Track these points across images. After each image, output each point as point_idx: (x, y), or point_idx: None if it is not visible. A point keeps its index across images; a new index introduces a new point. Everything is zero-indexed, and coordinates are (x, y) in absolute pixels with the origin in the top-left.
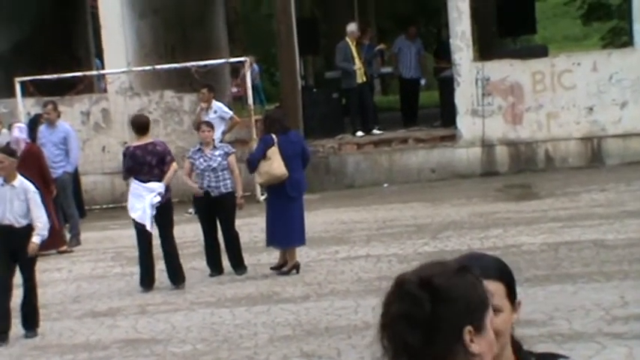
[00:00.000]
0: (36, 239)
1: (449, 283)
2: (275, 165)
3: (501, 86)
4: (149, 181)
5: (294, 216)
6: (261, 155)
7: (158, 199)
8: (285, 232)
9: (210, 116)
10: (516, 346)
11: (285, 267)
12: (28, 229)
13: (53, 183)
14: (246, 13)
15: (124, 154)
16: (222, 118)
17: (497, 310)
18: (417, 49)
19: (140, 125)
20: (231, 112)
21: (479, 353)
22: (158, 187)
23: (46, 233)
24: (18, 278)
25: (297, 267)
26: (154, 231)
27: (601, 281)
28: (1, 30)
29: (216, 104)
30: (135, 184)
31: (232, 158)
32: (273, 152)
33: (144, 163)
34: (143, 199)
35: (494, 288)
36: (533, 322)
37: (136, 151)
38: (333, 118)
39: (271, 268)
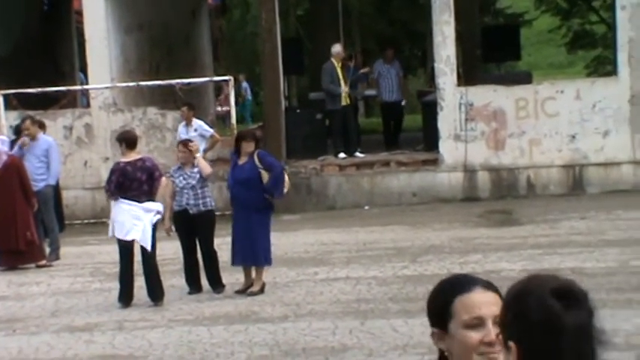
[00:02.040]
0: None
1: None
2: None
3: (484, 112)
4: (138, 197)
5: (265, 232)
6: None
7: (158, 216)
8: (255, 249)
9: (191, 134)
10: None
11: (254, 288)
12: None
13: (34, 196)
14: (231, 32)
15: (114, 170)
16: (202, 136)
17: None
18: (396, 72)
19: (130, 140)
20: (211, 130)
21: None
22: (156, 206)
23: None
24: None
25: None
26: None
27: None
28: None
29: (197, 122)
30: (129, 205)
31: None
32: None
33: (134, 179)
34: (140, 220)
35: (497, 300)
36: None
37: (127, 167)
38: (315, 139)
39: (236, 292)
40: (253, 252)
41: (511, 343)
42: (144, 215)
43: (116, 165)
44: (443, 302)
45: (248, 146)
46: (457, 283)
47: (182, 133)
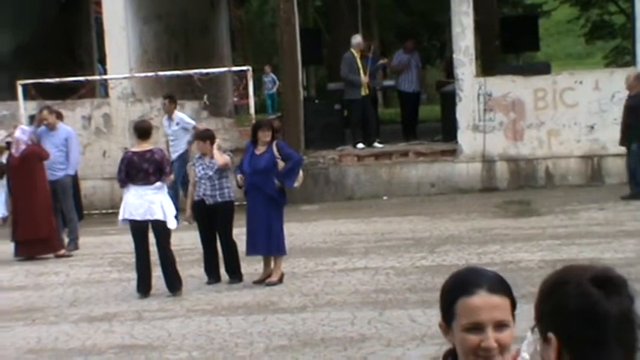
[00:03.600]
0: None
1: None
2: None
3: (503, 102)
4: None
5: (281, 222)
6: None
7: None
8: (274, 238)
9: (173, 128)
10: None
11: (273, 278)
12: None
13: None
14: (250, 23)
15: (122, 159)
16: (185, 129)
17: (504, 325)
18: (415, 63)
19: (142, 130)
20: (193, 122)
21: None
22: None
23: None
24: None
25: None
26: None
27: None
28: (5, 33)
29: (178, 115)
30: (141, 189)
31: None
32: None
33: (140, 170)
34: (154, 202)
35: (502, 303)
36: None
37: (134, 157)
38: (334, 129)
39: (255, 282)
40: (272, 241)
41: (550, 334)
42: (156, 196)
43: (125, 154)
44: (447, 301)
45: (264, 135)
46: (462, 283)
47: (165, 126)
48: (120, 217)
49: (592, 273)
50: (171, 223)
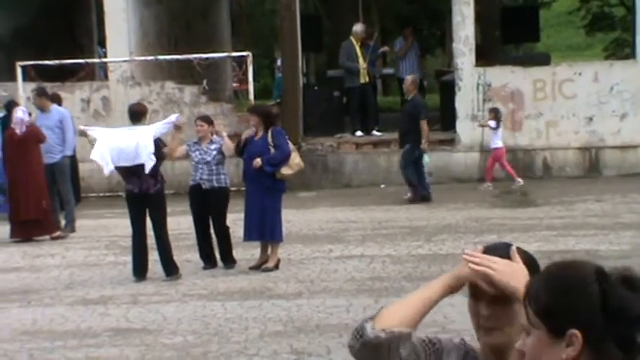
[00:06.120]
0: None
1: None
2: (299, 156)
3: (502, 92)
4: (138, 173)
5: (276, 208)
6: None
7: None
8: (266, 224)
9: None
10: None
11: (269, 264)
12: None
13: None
14: (250, 8)
15: None
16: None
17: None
18: (415, 51)
19: (133, 113)
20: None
21: None
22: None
23: None
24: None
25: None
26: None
27: None
28: (4, 14)
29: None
30: (119, 129)
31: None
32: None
33: None
34: (141, 143)
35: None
36: None
37: None
38: (333, 116)
39: (251, 268)
40: (265, 228)
41: (575, 331)
42: (141, 136)
43: None
44: None
45: (251, 119)
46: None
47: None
48: (106, 170)
49: (619, 273)
50: (148, 166)
